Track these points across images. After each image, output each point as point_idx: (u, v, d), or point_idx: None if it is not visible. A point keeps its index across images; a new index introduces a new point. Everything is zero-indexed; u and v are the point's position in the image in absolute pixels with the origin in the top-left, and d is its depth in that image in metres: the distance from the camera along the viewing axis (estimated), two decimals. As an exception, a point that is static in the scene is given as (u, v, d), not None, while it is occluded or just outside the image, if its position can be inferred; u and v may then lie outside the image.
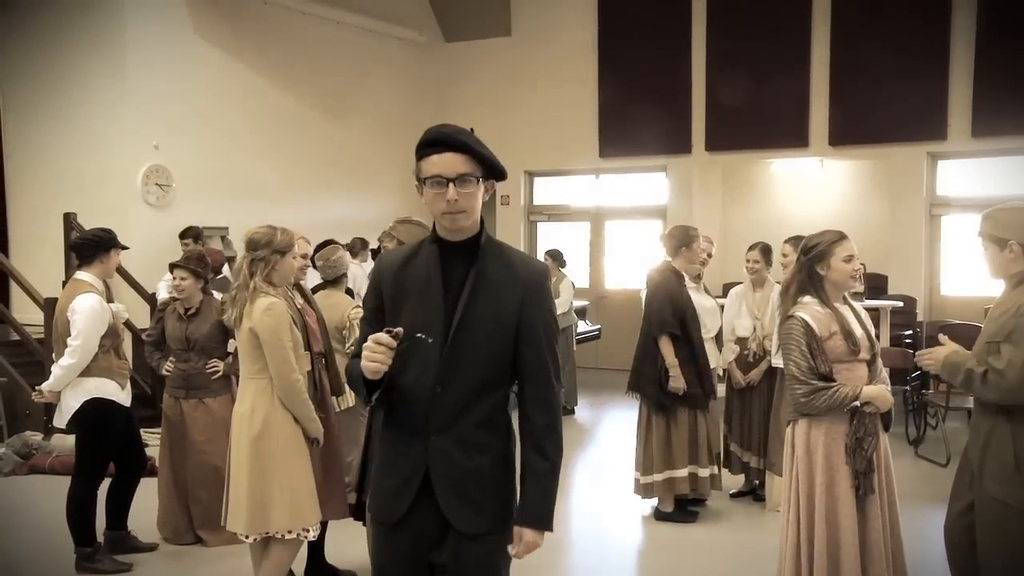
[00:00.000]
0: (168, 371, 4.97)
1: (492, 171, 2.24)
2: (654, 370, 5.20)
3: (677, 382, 5.11)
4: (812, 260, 3.41)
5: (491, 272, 2.23)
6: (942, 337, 3.41)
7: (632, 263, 11.52)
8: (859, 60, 9.73)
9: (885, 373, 3.48)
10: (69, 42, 8.80)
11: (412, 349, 2.19)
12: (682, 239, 5.33)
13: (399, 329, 2.11)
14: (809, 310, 3.36)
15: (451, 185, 2.15)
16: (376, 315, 2.31)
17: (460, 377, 2.20)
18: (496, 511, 2.26)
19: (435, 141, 2.19)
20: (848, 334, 3.32)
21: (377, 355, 2.09)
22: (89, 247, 4.60)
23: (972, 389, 3.20)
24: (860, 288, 3.51)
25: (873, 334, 3.48)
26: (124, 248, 4.78)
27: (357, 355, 2.28)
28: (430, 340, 2.18)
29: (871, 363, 3.41)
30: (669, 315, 5.14)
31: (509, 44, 11.85)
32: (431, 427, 2.21)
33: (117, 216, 7.74)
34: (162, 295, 6.83)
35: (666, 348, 5.15)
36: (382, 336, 2.10)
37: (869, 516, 3.30)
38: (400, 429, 2.28)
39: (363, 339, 2.26)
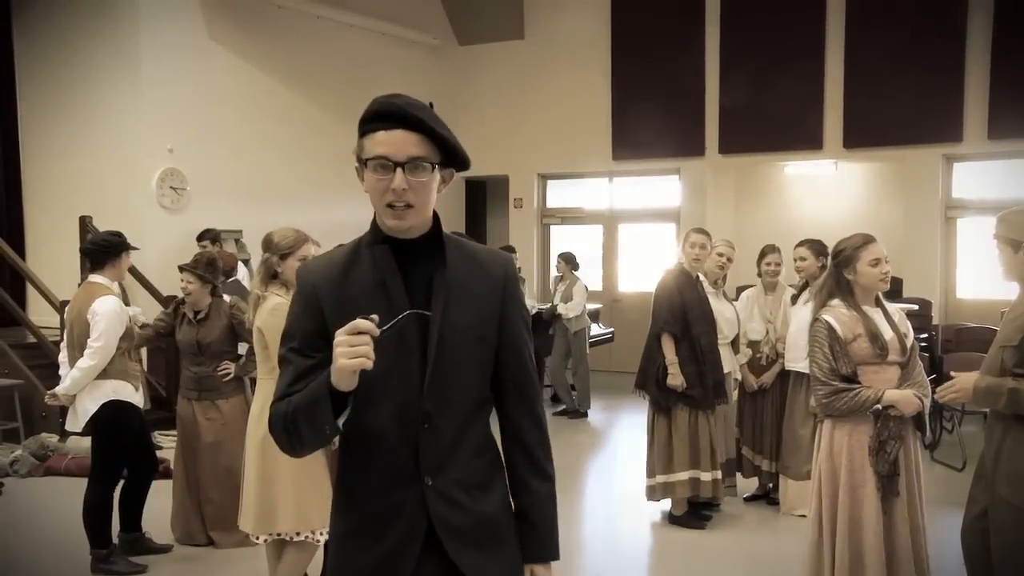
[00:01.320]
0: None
1: (452, 157, 1.80)
2: (655, 369, 5.21)
3: (675, 379, 5.11)
4: (839, 265, 3.44)
5: (460, 272, 1.82)
6: (953, 373, 3.34)
7: (645, 266, 11.50)
8: (873, 61, 9.68)
9: (924, 377, 3.45)
10: (85, 46, 8.87)
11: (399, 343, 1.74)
12: (681, 241, 5.39)
13: (374, 316, 1.63)
14: (834, 312, 3.39)
15: (399, 171, 1.72)
16: (314, 343, 1.77)
17: (450, 404, 1.79)
18: (514, 551, 1.91)
19: (382, 114, 1.75)
20: (874, 336, 3.32)
21: (361, 347, 1.59)
22: (100, 252, 4.61)
23: (1021, 407, 3.07)
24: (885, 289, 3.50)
25: (908, 337, 3.45)
26: (134, 249, 4.80)
27: (282, 398, 1.78)
28: (430, 313, 1.74)
29: (904, 366, 3.39)
30: (667, 314, 5.15)
31: (522, 47, 11.85)
32: (426, 469, 1.78)
33: (132, 219, 7.78)
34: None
35: (666, 346, 5.16)
36: (362, 323, 1.60)
37: (896, 520, 3.29)
38: (380, 479, 1.80)
39: (293, 379, 1.77)
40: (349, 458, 1.85)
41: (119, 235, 4.70)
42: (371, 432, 1.78)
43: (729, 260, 5.64)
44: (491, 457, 1.91)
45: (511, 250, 8.65)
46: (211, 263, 5.04)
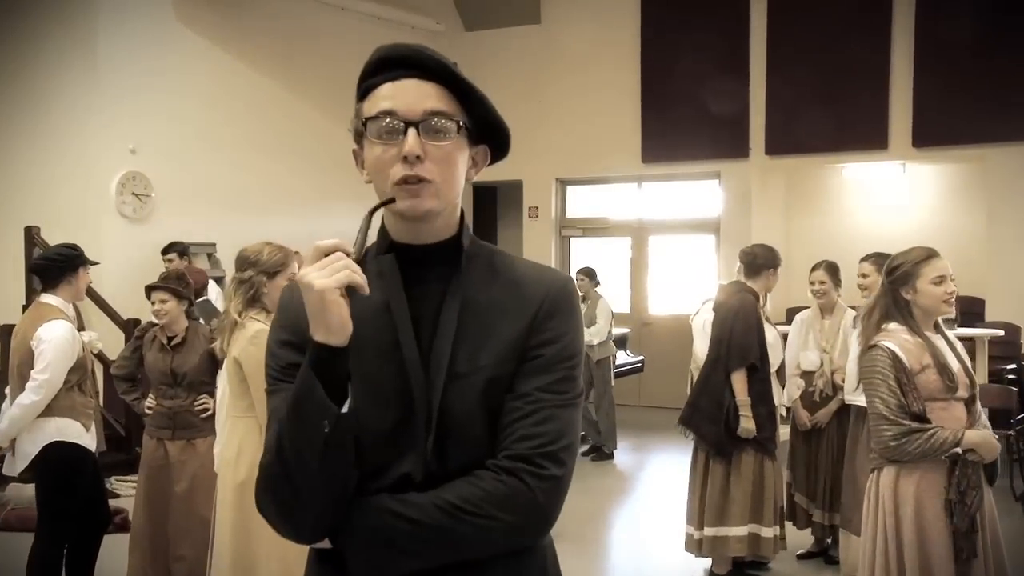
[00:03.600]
0: (150, 409, 4.97)
1: (486, 125, 1.56)
2: (716, 407, 5.10)
3: (748, 423, 5.04)
4: (895, 283, 3.43)
5: (485, 293, 1.56)
6: None
7: (681, 284, 11.46)
8: (948, 45, 9.58)
9: (985, 416, 3.42)
10: (32, 28, 8.86)
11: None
12: (768, 259, 5.31)
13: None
14: (897, 339, 3.35)
15: (411, 131, 1.46)
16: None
17: (465, 470, 1.52)
18: None
19: (388, 61, 1.50)
20: (943, 367, 3.29)
21: (339, 263, 1.38)
22: (54, 268, 4.54)
23: None
24: (952, 314, 3.49)
25: (971, 368, 3.43)
26: (93, 264, 4.78)
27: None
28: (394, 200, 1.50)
29: (970, 403, 3.35)
30: (755, 343, 5.06)
31: (538, 33, 11.88)
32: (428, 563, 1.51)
33: (87, 230, 7.78)
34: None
35: (740, 383, 5.06)
36: (325, 243, 1.41)
37: None
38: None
39: (274, 418, 1.52)
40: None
41: (75, 248, 4.65)
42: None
43: None
44: (528, 563, 1.57)
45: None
46: (181, 277, 5.02)
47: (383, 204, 1.49)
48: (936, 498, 3.24)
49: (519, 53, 11.93)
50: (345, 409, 1.42)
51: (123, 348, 5.42)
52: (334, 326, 1.37)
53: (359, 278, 1.37)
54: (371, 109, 1.49)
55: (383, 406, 1.51)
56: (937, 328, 3.46)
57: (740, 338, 5.09)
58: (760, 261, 5.30)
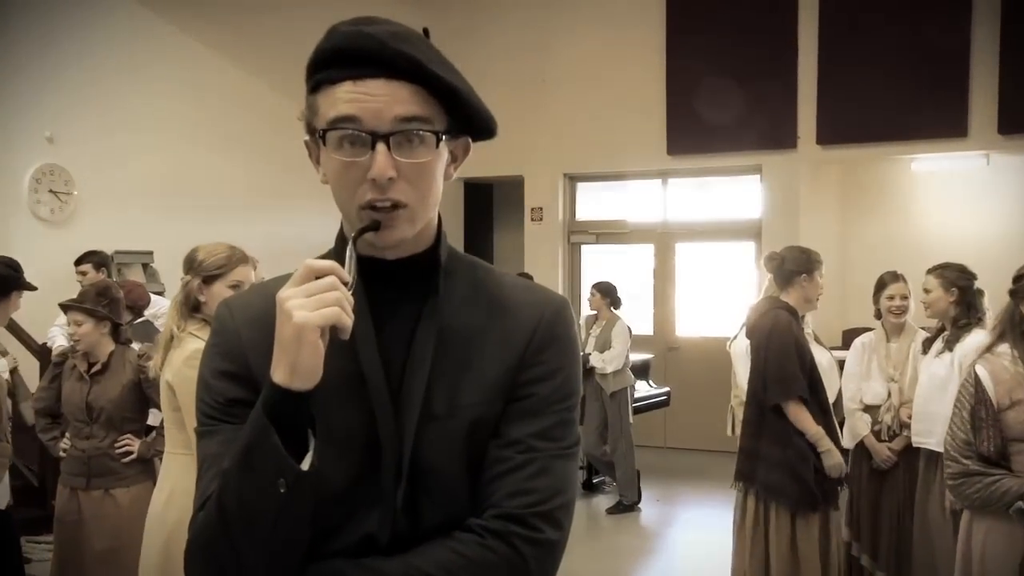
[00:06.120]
0: (64, 451, 4.94)
1: (468, 118, 1.56)
2: (792, 452, 4.90)
3: (834, 456, 4.84)
4: (1016, 294, 3.45)
5: (463, 317, 1.57)
6: None
7: (715, 301, 11.45)
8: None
9: None
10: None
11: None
12: (800, 262, 5.15)
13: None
14: (994, 364, 3.35)
15: (380, 147, 1.42)
16: (239, 415, 1.48)
17: (440, 530, 1.53)
18: None
19: (347, 52, 1.45)
20: None
21: (330, 293, 1.35)
22: None
23: None
24: None
25: None
26: (31, 289, 4.76)
27: (203, 505, 1.48)
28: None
29: None
30: (796, 370, 4.90)
31: (542, -2, 11.92)
32: None
33: (-6, 235, 7.77)
34: (59, 342, 6.83)
35: (800, 414, 4.87)
36: (316, 263, 1.37)
37: None
38: None
39: (208, 465, 1.50)
40: None
41: (15, 268, 4.66)
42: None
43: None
44: None
45: (527, 279, 8.64)
46: (103, 293, 4.98)
47: (365, 230, 1.46)
48: (1007, 555, 3.25)
49: (518, 21, 11.93)
50: (306, 465, 1.39)
51: (41, 379, 5.40)
52: (302, 370, 1.35)
53: (347, 319, 1.35)
54: (328, 112, 1.46)
55: (343, 453, 1.50)
56: None
57: (776, 366, 4.94)
58: (790, 267, 5.14)
